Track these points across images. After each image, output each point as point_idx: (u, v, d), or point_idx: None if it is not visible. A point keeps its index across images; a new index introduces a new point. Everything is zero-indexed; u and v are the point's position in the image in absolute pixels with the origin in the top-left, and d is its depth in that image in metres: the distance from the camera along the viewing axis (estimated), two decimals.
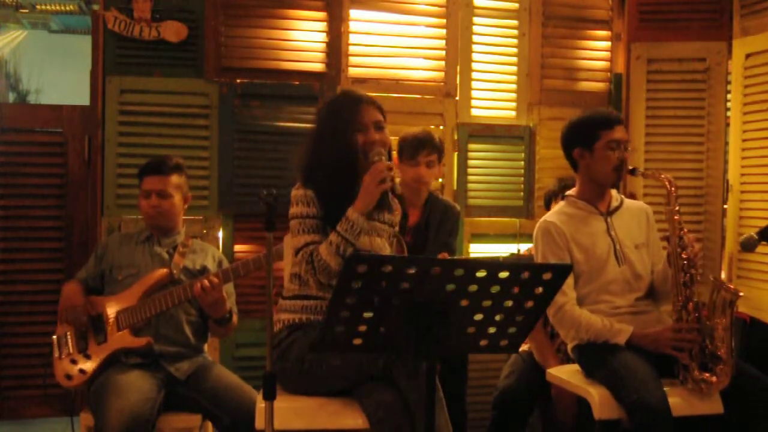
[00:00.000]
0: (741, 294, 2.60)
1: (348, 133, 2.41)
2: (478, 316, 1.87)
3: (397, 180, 3.35)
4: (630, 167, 2.83)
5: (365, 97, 2.49)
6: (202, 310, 2.88)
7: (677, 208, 2.71)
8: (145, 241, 2.97)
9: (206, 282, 2.73)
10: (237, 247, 3.62)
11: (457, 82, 3.93)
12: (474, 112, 3.97)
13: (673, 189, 2.73)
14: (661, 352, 2.64)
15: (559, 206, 2.95)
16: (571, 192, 2.96)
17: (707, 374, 2.57)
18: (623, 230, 2.87)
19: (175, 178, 2.95)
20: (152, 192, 2.92)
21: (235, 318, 2.97)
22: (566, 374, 2.86)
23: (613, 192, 2.95)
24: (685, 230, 2.70)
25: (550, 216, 2.90)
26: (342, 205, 2.36)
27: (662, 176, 2.77)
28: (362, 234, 2.35)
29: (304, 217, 2.37)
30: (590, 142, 2.83)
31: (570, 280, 2.78)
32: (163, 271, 2.87)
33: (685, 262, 2.65)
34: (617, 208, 2.92)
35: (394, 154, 3.34)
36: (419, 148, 3.22)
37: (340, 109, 2.46)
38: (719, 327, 2.59)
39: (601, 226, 2.86)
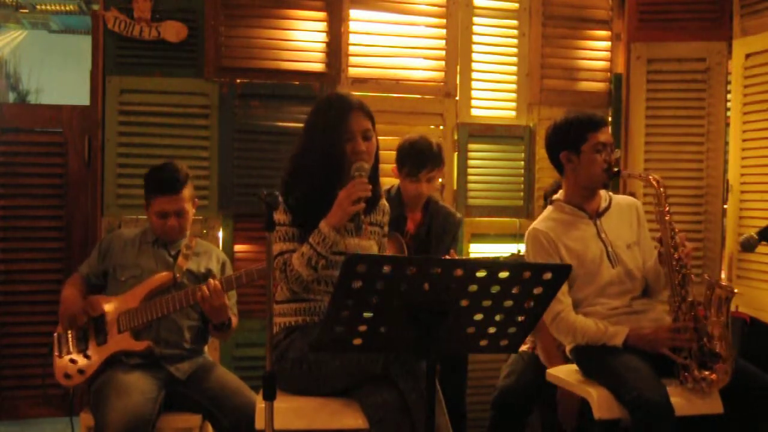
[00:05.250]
0: (736, 291, 2.60)
1: (337, 141, 2.36)
2: (478, 316, 1.87)
3: (395, 181, 3.36)
4: (615, 169, 2.81)
5: (356, 104, 2.41)
6: (203, 315, 2.87)
7: (668, 208, 2.70)
8: (150, 243, 2.96)
9: (209, 289, 2.71)
10: (237, 247, 3.62)
11: (457, 82, 3.93)
12: (474, 112, 3.98)
13: (662, 189, 2.71)
14: (658, 352, 2.64)
15: (546, 212, 2.93)
16: (558, 196, 2.94)
17: (707, 372, 2.57)
18: (613, 231, 2.86)
19: (186, 192, 2.90)
20: (170, 213, 2.87)
21: (235, 320, 2.97)
22: (566, 374, 2.86)
23: (602, 192, 2.93)
24: (677, 230, 2.69)
25: (537, 223, 2.88)
26: (322, 212, 2.33)
27: (650, 177, 2.76)
28: (334, 247, 2.31)
29: (280, 224, 2.36)
30: (577, 144, 2.81)
31: (564, 287, 2.76)
32: (167, 274, 2.86)
33: (678, 262, 2.65)
34: (606, 209, 2.90)
35: (392, 167, 3.33)
36: (421, 167, 3.17)
37: (330, 116, 2.39)
38: (716, 325, 2.59)
39: (590, 230, 2.85)
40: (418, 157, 3.18)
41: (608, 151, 2.80)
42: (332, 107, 2.41)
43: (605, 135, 2.82)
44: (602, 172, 2.80)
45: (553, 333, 2.85)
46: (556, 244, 2.80)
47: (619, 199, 2.99)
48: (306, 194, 2.38)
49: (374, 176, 2.45)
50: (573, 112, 2.91)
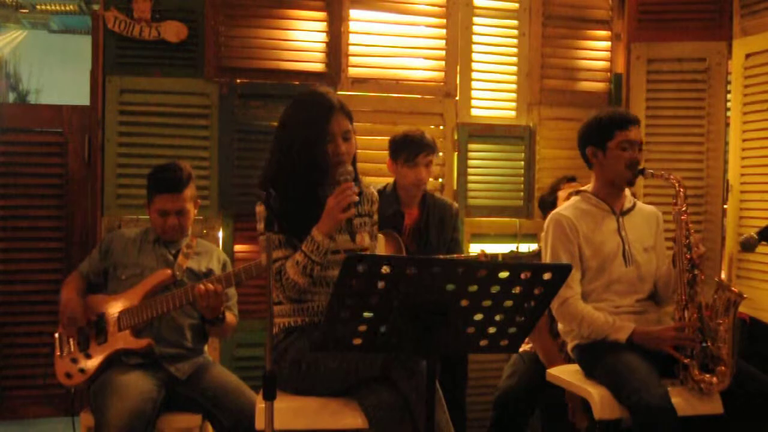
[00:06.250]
0: (746, 296, 2.60)
1: (318, 143, 2.34)
2: (478, 316, 1.87)
3: (390, 179, 3.37)
4: (639, 168, 2.83)
5: (336, 105, 2.38)
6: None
7: (685, 208, 2.72)
8: (151, 242, 2.95)
9: (210, 287, 2.71)
10: (237, 247, 3.62)
11: (457, 82, 3.93)
12: (474, 112, 3.98)
13: (682, 190, 2.73)
14: (662, 350, 2.64)
15: (573, 201, 2.96)
16: (585, 188, 2.97)
17: (708, 375, 2.57)
18: (634, 232, 2.87)
19: (189, 192, 2.90)
20: (170, 212, 2.88)
21: (233, 318, 2.97)
22: (566, 374, 2.86)
23: (627, 193, 2.96)
24: (692, 231, 2.71)
25: (562, 209, 2.91)
26: (305, 214, 2.33)
27: (671, 177, 2.77)
28: (328, 253, 2.31)
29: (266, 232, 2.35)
30: (604, 140, 2.84)
31: (577, 275, 2.79)
32: (166, 272, 2.86)
33: (690, 262, 2.66)
34: (630, 210, 2.93)
35: (384, 164, 3.33)
36: (418, 151, 3.20)
37: (311, 118, 2.36)
38: (721, 328, 2.59)
39: (612, 225, 2.87)
40: (415, 142, 3.21)
41: (635, 150, 2.82)
42: (313, 108, 2.38)
43: (634, 133, 2.83)
44: (625, 169, 2.82)
45: (558, 319, 2.86)
46: (577, 232, 2.82)
47: (642, 206, 3.01)
48: (288, 198, 2.35)
49: (355, 174, 2.43)
50: (607, 109, 2.97)
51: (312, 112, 2.37)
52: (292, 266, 2.31)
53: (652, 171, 2.85)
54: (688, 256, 2.66)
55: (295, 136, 2.38)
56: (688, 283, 2.65)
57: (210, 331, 2.96)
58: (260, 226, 2.38)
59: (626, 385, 2.52)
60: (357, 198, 2.31)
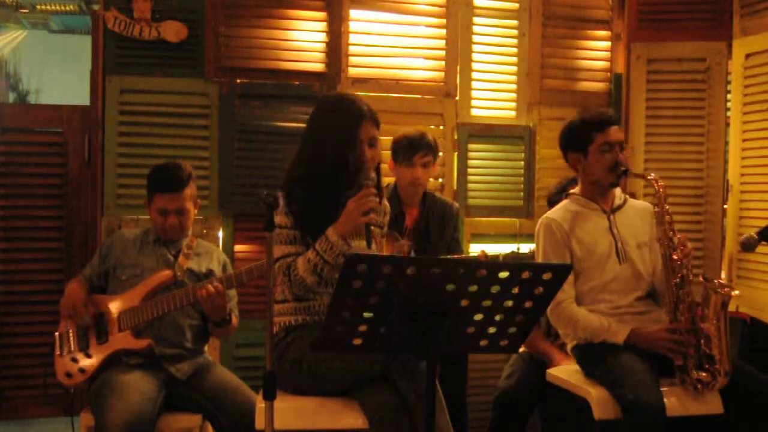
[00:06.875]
0: (734, 293, 2.59)
1: (346, 148, 2.36)
2: (478, 316, 1.87)
3: (392, 179, 3.37)
4: (622, 168, 2.82)
5: (366, 112, 2.41)
6: (204, 313, 2.87)
7: (667, 207, 2.71)
8: (151, 243, 2.96)
9: (211, 288, 2.72)
10: (237, 247, 3.62)
11: (457, 82, 3.93)
12: (474, 112, 3.98)
13: (661, 190, 2.72)
14: (658, 351, 2.64)
15: (562, 204, 2.96)
16: (574, 190, 2.97)
17: (704, 374, 2.57)
18: (626, 228, 2.87)
19: (188, 191, 2.90)
20: (170, 211, 2.87)
21: (236, 320, 2.97)
22: (566, 374, 2.86)
23: (617, 191, 2.95)
24: (676, 231, 2.70)
25: (552, 213, 2.91)
26: (324, 216, 2.34)
27: (649, 177, 2.77)
28: (341, 255, 2.31)
29: (281, 227, 2.36)
30: (584, 145, 2.85)
31: (570, 278, 2.78)
32: (167, 273, 2.86)
33: (677, 263, 2.65)
34: (620, 207, 2.92)
35: (386, 164, 3.34)
36: (414, 150, 3.21)
37: (341, 124, 2.38)
38: (713, 327, 2.58)
39: (603, 223, 2.86)
40: (411, 142, 3.22)
41: (616, 150, 2.81)
42: (344, 115, 2.40)
43: (613, 134, 2.82)
44: (608, 171, 2.81)
45: (553, 322, 2.87)
46: (567, 235, 2.82)
47: (634, 202, 3.01)
48: (310, 199, 2.37)
49: (377, 180, 2.45)
50: (583, 112, 2.95)
51: (342, 118, 2.39)
52: (303, 263, 2.32)
53: (633, 172, 2.85)
54: (674, 257, 2.66)
55: (323, 140, 2.40)
56: (675, 285, 2.65)
57: (214, 333, 2.97)
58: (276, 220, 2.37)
59: (623, 385, 2.51)
60: (378, 204, 2.32)
